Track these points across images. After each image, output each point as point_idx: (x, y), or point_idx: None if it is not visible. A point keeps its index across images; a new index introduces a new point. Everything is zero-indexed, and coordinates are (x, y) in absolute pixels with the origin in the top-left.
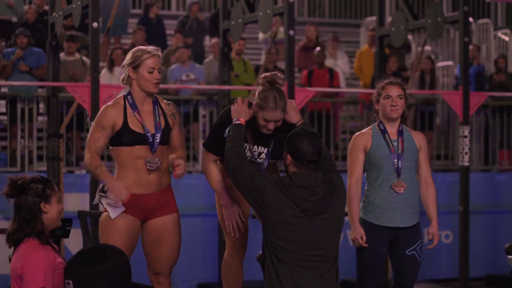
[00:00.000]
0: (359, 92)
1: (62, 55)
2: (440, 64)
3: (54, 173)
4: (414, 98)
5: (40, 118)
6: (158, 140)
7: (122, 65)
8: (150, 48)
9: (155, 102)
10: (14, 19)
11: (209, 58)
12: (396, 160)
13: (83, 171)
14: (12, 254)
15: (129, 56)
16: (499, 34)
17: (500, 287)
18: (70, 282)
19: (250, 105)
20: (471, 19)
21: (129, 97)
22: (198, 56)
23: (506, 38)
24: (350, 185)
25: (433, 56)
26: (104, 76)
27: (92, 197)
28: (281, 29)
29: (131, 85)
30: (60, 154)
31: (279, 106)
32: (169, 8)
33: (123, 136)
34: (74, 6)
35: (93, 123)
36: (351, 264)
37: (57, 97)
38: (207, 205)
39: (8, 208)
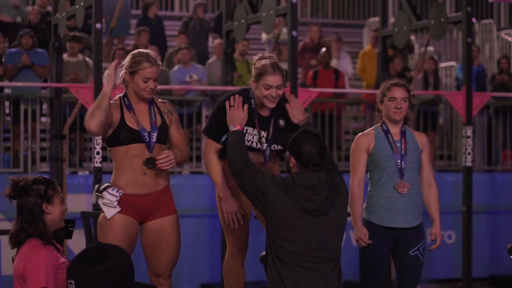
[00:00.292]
0: (362, 92)
1: (65, 56)
2: (443, 64)
3: (57, 174)
4: (417, 99)
5: (43, 119)
6: (154, 139)
7: (121, 64)
8: (151, 56)
9: (151, 102)
10: (18, 20)
11: (212, 59)
12: (399, 160)
13: (86, 172)
14: (15, 255)
15: (128, 58)
16: (502, 34)
17: (504, 287)
18: (72, 282)
19: (244, 93)
20: (474, 20)
21: (125, 98)
22: (202, 57)
23: (509, 39)
24: (353, 185)
25: (436, 57)
26: (105, 76)
27: None
28: (284, 30)
29: (127, 87)
30: (63, 155)
31: (277, 70)
32: (172, 9)
33: (120, 133)
34: (77, 7)
35: None
36: (354, 265)
37: (60, 98)
38: (211, 206)
39: (11, 209)
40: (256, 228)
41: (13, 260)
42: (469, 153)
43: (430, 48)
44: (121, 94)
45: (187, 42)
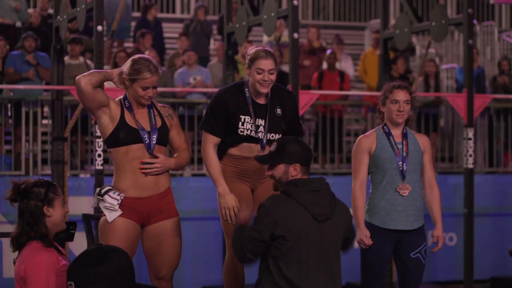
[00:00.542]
0: (363, 94)
1: (66, 58)
2: (444, 66)
3: (58, 176)
4: (419, 101)
5: (45, 122)
6: (154, 141)
7: (122, 68)
8: (152, 65)
9: (150, 106)
10: (19, 23)
11: (214, 61)
12: (401, 162)
13: (88, 175)
14: (16, 257)
15: (129, 64)
16: (504, 36)
17: None
18: (72, 283)
19: (238, 85)
20: (475, 22)
21: (125, 101)
22: (203, 59)
23: (511, 41)
24: (355, 187)
25: (437, 59)
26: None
27: None
28: (285, 32)
29: (127, 90)
30: (64, 158)
31: (269, 55)
32: (173, 11)
33: (120, 132)
34: (78, 9)
35: None
36: (355, 267)
37: (62, 100)
38: (212, 209)
39: (12, 211)
40: None
41: (14, 263)
42: (470, 155)
43: (432, 50)
44: (121, 97)
45: (188, 44)
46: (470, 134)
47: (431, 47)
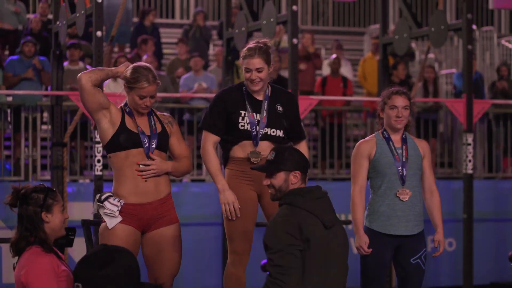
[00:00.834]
0: (363, 100)
1: (66, 64)
2: (443, 72)
3: (58, 182)
4: (418, 107)
5: (44, 127)
6: (154, 146)
7: (123, 75)
8: (151, 75)
9: (150, 113)
10: (20, 27)
11: (213, 66)
12: (400, 167)
13: (87, 180)
14: (16, 263)
15: (130, 71)
16: (503, 41)
17: None
18: (80, 285)
19: (238, 85)
20: (474, 27)
21: (126, 107)
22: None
23: (510, 46)
24: (354, 192)
25: (436, 64)
26: (108, 85)
27: None
28: (285, 38)
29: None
30: (64, 163)
31: (257, 53)
32: (173, 17)
33: (120, 136)
34: (78, 15)
35: None
36: (355, 272)
37: (61, 106)
38: (212, 214)
39: (11, 217)
40: (259, 235)
41: (14, 268)
42: (469, 161)
43: (431, 56)
44: (122, 104)
45: (186, 50)
46: (470, 140)
47: (430, 53)
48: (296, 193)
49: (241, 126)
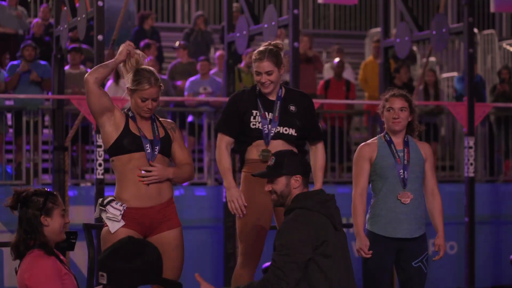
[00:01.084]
0: (364, 103)
1: (67, 68)
2: (445, 75)
3: (59, 186)
4: (419, 110)
5: (46, 131)
6: (156, 151)
7: (126, 78)
8: (153, 77)
9: (153, 119)
10: (21, 32)
11: (214, 70)
12: (401, 170)
13: (88, 184)
14: (18, 266)
15: (131, 75)
16: (504, 44)
17: None
18: (104, 274)
19: (252, 87)
20: (476, 30)
21: (129, 111)
22: None
23: (511, 49)
24: (355, 195)
25: (438, 67)
26: (110, 89)
27: None
28: (286, 41)
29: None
30: (65, 167)
31: (265, 56)
32: (174, 21)
33: (124, 139)
34: (79, 19)
35: None
36: (357, 275)
37: (63, 110)
38: (213, 217)
39: (13, 220)
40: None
41: (16, 272)
42: (471, 164)
43: (432, 59)
44: (126, 108)
45: (186, 53)
46: (471, 143)
47: (431, 56)
48: (305, 196)
49: (253, 125)
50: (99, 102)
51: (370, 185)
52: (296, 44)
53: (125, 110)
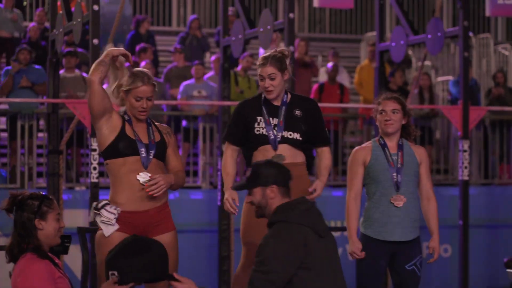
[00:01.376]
0: (359, 107)
1: (62, 72)
2: (440, 79)
3: (54, 189)
4: (414, 113)
5: (40, 135)
6: (151, 156)
7: (120, 83)
8: (146, 75)
9: (149, 123)
10: (16, 35)
11: (210, 73)
12: (395, 174)
13: (83, 188)
14: (12, 269)
15: (126, 76)
16: (499, 48)
17: None
18: (115, 273)
19: (257, 95)
20: (471, 34)
21: (125, 115)
22: None
23: (506, 53)
24: (349, 198)
25: (433, 71)
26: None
27: None
28: (282, 45)
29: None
30: (60, 171)
31: (269, 61)
32: (169, 24)
33: (120, 143)
34: (74, 23)
35: None
36: (351, 279)
37: (57, 113)
38: (207, 221)
39: (8, 224)
40: None
41: (10, 275)
42: (465, 167)
43: (427, 63)
44: (122, 111)
45: (183, 57)
46: (466, 146)
47: (426, 60)
48: (286, 207)
49: (257, 131)
50: (102, 102)
51: (365, 188)
52: (291, 48)
53: (121, 112)
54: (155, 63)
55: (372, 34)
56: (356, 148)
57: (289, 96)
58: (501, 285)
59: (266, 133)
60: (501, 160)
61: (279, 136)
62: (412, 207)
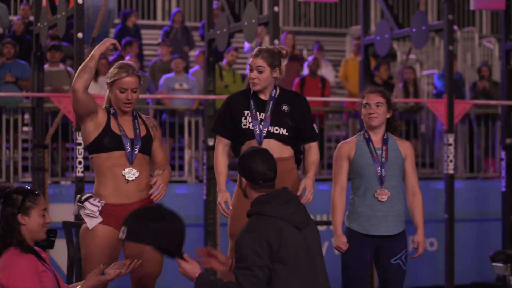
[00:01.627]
0: (344, 101)
1: (46, 66)
2: (425, 72)
3: (39, 183)
4: (399, 107)
5: (25, 129)
6: (136, 151)
7: (106, 76)
8: (131, 67)
9: (135, 116)
10: (0, 30)
11: (196, 68)
12: (379, 168)
13: (68, 182)
14: None
15: (110, 70)
16: (484, 42)
17: None
18: (125, 229)
19: (246, 88)
20: (456, 27)
21: (111, 108)
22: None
23: (491, 46)
24: (334, 193)
25: (418, 65)
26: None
27: None
28: (266, 39)
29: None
30: (45, 165)
31: (261, 54)
32: (154, 18)
33: (104, 138)
34: (59, 16)
35: None
36: (336, 273)
37: (42, 107)
38: (193, 215)
39: None
40: None
41: None
42: (451, 161)
43: (412, 56)
44: (108, 105)
45: (168, 51)
46: (451, 140)
47: (411, 53)
48: (263, 200)
49: (244, 125)
50: (86, 108)
51: (350, 182)
52: (276, 42)
53: (107, 106)
54: (140, 57)
55: (357, 28)
56: (341, 142)
57: (278, 91)
58: (487, 278)
59: (252, 128)
60: (486, 154)
61: (264, 131)
62: (396, 201)
